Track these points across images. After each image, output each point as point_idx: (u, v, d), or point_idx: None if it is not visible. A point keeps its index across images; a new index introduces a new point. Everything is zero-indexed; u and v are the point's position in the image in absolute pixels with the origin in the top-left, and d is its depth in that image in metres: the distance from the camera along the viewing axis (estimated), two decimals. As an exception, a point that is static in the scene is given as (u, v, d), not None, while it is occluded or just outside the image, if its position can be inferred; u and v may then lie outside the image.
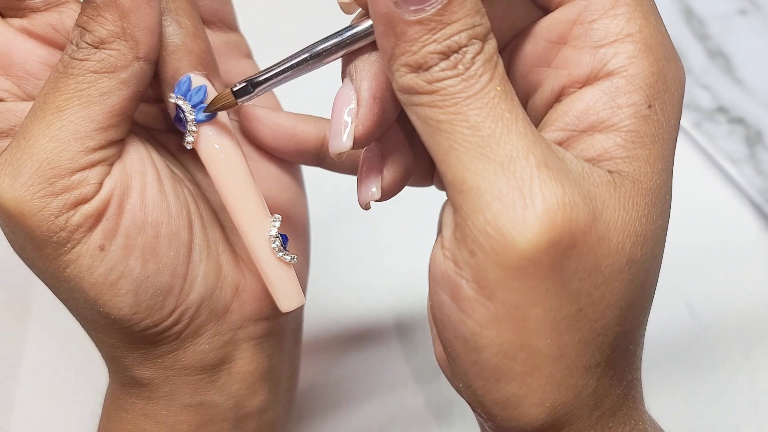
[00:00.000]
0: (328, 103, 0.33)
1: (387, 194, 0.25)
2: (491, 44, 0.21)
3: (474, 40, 0.20)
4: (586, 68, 0.22)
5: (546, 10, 0.24)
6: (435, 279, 0.22)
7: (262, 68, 0.33)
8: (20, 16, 0.26)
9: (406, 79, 0.21)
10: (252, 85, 0.25)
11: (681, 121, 0.54)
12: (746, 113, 0.50)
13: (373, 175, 0.25)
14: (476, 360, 0.22)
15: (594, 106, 0.22)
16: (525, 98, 0.25)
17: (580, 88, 0.23)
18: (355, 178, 0.31)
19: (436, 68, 0.20)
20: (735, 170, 0.48)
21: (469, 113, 0.20)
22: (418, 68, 0.20)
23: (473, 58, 0.20)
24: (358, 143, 0.23)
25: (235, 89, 0.25)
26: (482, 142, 0.20)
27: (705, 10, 0.55)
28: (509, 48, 0.25)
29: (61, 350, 0.42)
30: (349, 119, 0.23)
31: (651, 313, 0.45)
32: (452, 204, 0.21)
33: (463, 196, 0.20)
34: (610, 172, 0.21)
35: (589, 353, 0.22)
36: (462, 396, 0.27)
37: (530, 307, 0.20)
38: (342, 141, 0.23)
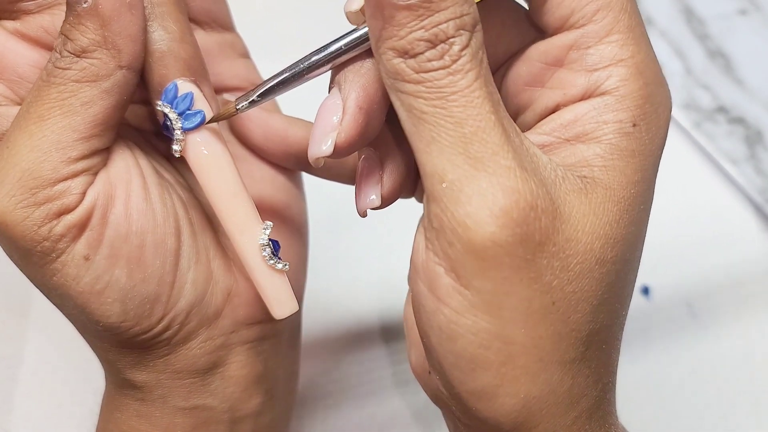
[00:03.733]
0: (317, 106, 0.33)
1: (387, 201, 0.26)
2: (478, 36, 0.21)
3: (461, 31, 0.20)
4: (581, 89, 0.23)
5: (542, 34, 0.25)
6: (415, 268, 0.23)
7: (258, 67, 0.33)
8: (12, 18, 0.26)
9: (393, 63, 0.21)
10: (249, 103, 0.25)
11: (681, 121, 0.54)
12: (746, 113, 0.50)
13: (372, 182, 0.25)
14: (451, 350, 0.22)
15: (582, 119, 0.23)
16: (514, 116, 0.26)
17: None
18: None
19: (423, 57, 0.20)
20: (735, 170, 0.48)
21: (454, 109, 0.21)
22: (405, 53, 0.21)
23: (460, 50, 0.20)
24: (338, 151, 0.24)
25: (238, 107, 0.25)
26: (465, 138, 0.21)
27: (705, 10, 0.55)
28: (502, 69, 0.26)
29: (60, 350, 0.42)
30: (332, 127, 0.23)
31: (651, 312, 0.45)
32: (430, 195, 0.21)
33: (443, 188, 0.21)
34: (584, 177, 0.22)
35: (563, 347, 0.22)
36: (435, 402, 0.27)
37: (505, 295, 0.21)
38: (323, 147, 0.24)
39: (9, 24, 0.26)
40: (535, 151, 0.22)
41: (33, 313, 0.43)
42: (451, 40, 0.20)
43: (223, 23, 0.31)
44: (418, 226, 0.23)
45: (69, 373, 0.42)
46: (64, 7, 0.26)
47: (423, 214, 0.23)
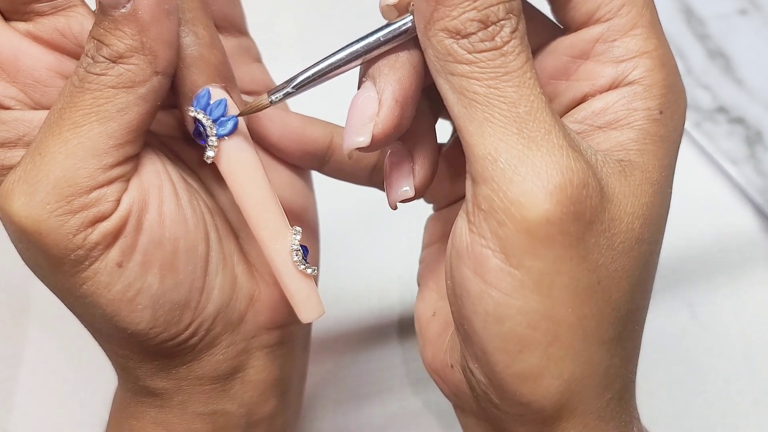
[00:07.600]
0: (331, 106, 0.33)
1: (420, 192, 0.26)
2: (524, 22, 0.22)
3: (510, 15, 0.21)
4: (609, 79, 0.24)
5: (563, 31, 0.26)
6: (458, 253, 0.23)
7: (269, 71, 0.33)
8: (25, 20, 0.25)
9: (446, 43, 0.21)
10: (284, 95, 0.25)
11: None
12: (746, 113, 0.50)
13: (404, 173, 0.26)
14: (498, 332, 0.22)
15: (612, 107, 0.24)
16: None
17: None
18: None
19: (475, 37, 0.21)
20: (735, 170, 0.48)
21: (507, 89, 0.21)
22: (456, 34, 0.21)
23: (511, 32, 0.21)
24: (374, 143, 0.24)
25: (273, 97, 0.25)
26: (519, 118, 0.21)
27: (705, 10, 0.55)
28: None
29: (61, 350, 0.42)
30: (369, 118, 0.24)
31: (651, 313, 0.45)
32: (480, 176, 0.22)
33: (495, 167, 0.21)
34: (621, 160, 0.23)
35: (604, 326, 0.23)
36: (453, 398, 0.27)
37: (556, 274, 0.21)
38: (359, 139, 0.24)
39: (21, 26, 0.26)
40: (574, 135, 0.23)
41: (33, 313, 0.43)
42: (502, 22, 0.21)
43: (239, 28, 0.31)
44: (459, 213, 0.23)
45: (69, 373, 0.42)
46: (79, 9, 0.25)
47: (465, 199, 0.23)
